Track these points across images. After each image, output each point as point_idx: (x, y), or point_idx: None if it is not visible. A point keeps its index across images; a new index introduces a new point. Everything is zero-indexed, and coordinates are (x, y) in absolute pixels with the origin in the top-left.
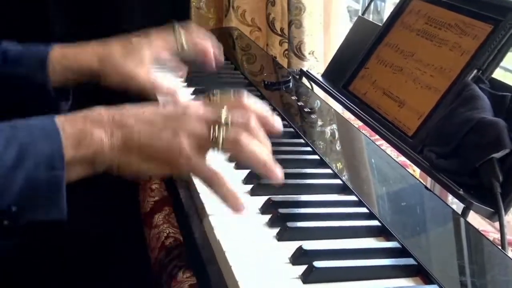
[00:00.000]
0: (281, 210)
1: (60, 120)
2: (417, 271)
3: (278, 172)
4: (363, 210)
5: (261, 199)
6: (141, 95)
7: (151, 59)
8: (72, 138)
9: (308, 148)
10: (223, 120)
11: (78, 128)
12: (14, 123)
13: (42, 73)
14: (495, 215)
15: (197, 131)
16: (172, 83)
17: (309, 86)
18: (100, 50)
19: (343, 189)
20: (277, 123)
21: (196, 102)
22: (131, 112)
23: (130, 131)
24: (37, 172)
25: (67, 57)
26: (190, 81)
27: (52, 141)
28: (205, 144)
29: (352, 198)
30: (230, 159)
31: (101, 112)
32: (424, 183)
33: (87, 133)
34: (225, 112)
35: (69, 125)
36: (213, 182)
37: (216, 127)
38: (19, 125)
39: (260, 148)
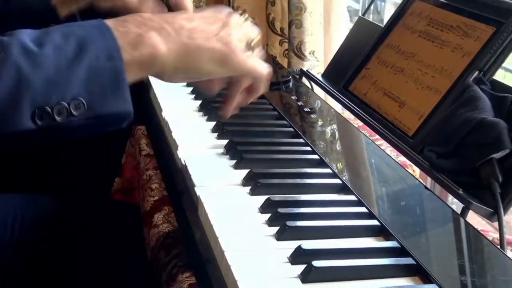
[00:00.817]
0: (281, 210)
1: (111, 23)
2: (416, 271)
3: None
4: (363, 209)
5: (261, 199)
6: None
7: None
8: (127, 40)
9: (308, 148)
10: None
11: (131, 31)
12: (67, 24)
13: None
14: (494, 215)
15: (242, 40)
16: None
17: (309, 86)
18: None
19: (343, 188)
20: None
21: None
22: (182, 16)
23: (186, 34)
24: (98, 62)
25: None
26: None
27: (107, 36)
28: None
29: (352, 198)
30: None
31: (151, 17)
32: (424, 183)
33: (142, 36)
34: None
35: (121, 27)
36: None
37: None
38: (71, 24)
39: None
